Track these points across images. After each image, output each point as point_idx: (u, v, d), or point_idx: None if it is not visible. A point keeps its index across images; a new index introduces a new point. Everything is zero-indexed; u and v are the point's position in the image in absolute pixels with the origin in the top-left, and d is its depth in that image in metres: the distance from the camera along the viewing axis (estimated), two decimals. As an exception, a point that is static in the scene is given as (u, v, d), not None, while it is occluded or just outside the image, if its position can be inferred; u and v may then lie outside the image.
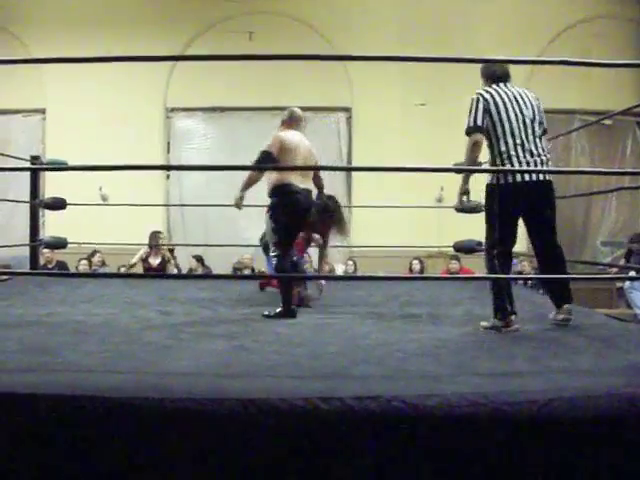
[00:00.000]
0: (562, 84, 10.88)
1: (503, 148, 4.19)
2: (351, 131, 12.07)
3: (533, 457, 2.33)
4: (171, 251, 9.52)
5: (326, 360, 3.20)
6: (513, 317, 4.17)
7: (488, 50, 9.61)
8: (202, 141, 12.19)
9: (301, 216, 5.24)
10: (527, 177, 4.16)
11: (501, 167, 4.20)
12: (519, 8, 11.66)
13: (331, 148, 11.97)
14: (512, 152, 4.18)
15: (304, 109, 11.82)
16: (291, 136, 5.27)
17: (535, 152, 4.22)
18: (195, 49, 11.63)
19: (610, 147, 12.27)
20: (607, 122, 11.25)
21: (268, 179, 5.20)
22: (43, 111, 12.20)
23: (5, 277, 7.27)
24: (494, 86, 4.31)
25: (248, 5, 11.83)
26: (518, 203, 4.19)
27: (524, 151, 4.19)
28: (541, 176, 4.20)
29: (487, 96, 4.24)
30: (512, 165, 4.16)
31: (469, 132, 4.25)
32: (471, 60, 3.77)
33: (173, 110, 12.22)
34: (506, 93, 4.28)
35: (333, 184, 11.81)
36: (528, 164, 4.18)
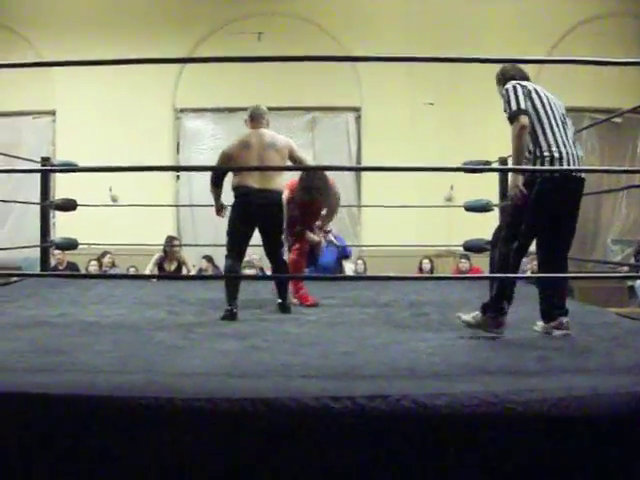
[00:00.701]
0: (571, 82, 10.82)
1: (549, 132, 3.87)
2: (360, 131, 12.09)
3: (543, 456, 2.33)
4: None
5: (336, 360, 3.21)
6: (504, 318, 3.91)
7: (496, 49, 9.63)
8: (211, 141, 12.19)
9: (253, 218, 5.16)
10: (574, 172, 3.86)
11: (546, 156, 3.82)
12: (527, 7, 11.64)
13: (340, 148, 12.00)
14: (559, 140, 3.88)
15: (313, 109, 11.95)
16: (239, 141, 5.21)
17: (575, 144, 3.97)
18: (204, 50, 11.66)
19: (620, 145, 12.24)
20: (617, 120, 11.20)
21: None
22: (53, 113, 12.26)
23: (16, 278, 7.30)
24: (522, 82, 4.02)
25: (257, 6, 11.86)
26: (559, 197, 3.84)
27: (570, 142, 3.93)
28: (583, 175, 3.92)
29: (524, 83, 3.98)
30: (560, 155, 3.83)
31: (514, 115, 3.84)
32: (478, 60, 3.76)
33: (182, 111, 12.27)
34: (539, 88, 4.02)
35: (343, 183, 11.84)
36: (573, 157, 3.88)
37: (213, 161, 11.52)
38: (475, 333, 4.04)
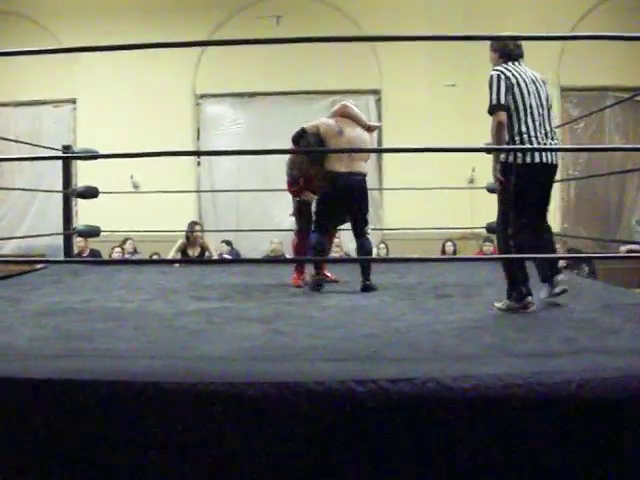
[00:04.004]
0: (594, 60, 10.72)
1: (524, 128, 4.15)
2: (380, 113, 12.00)
3: (570, 438, 2.31)
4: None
5: (360, 342, 3.20)
6: (529, 298, 4.17)
7: (518, 27, 9.50)
8: (232, 127, 12.20)
9: (340, 200, 5.58)
10: (545, 159, 4.14)
11: (523, 146, 4.16)
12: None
13: (361, 131, 11.91)
14: (532, 133, 4.16)
15: (333, 92, 11.92)
16: (329, 125, 5.68)
17: (550, 134, 4.26)
18: (223, 35, 11.63)
19: (645, 124, 12.08)
20: (641, 99, 11.07)
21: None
22: (74, 101, 12.31)
23: (40, 265, 7.35)
24: (510, 64, 4.25)
25: (275, -11, 11.80)
26: (534, 183, 4.17)
27: (543, 133, 4.20)
28: (555, 159, 4.21)
29: (508, 74, 4.18)
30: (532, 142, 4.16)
31: (493, 110, 4.15)
32: (499, 38, 3.73)
33: (202, 96, 12.26)
34: (524, 73, 4.24)
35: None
36: (546, 145, 4.21)
37: (234, 146, 11.71)
38: (500, 315, 4.04)
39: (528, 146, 4.16)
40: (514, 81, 4.17)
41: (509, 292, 4.21)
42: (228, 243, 10.64)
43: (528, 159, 4.11)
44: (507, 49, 4.28)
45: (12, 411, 2.36)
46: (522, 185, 4.12)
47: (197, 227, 9.07)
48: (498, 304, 4.24)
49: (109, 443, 2.34)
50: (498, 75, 4.17)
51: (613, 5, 11.34)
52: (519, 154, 4.11)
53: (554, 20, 10.75)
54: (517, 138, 4.16)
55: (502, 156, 4.17)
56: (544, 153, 4.13)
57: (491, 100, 4.14)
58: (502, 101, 4.12)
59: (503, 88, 4.13)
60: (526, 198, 4.16)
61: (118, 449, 2.34)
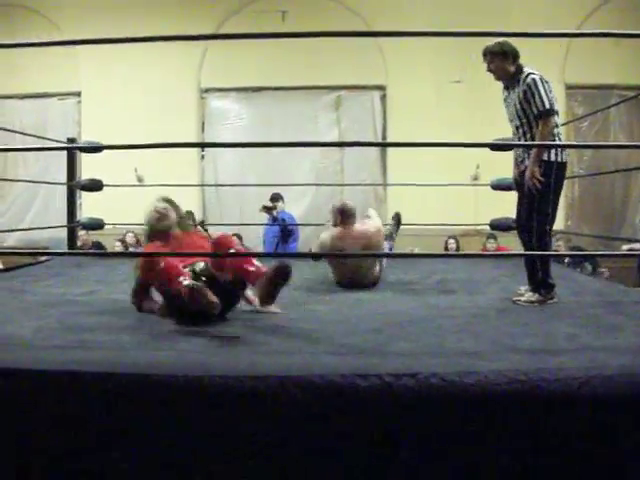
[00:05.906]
0: (600, 59, 10.69)
1: (559, 130, 4.37)
2: (386, 109, 11.98)
3: (572, 435, 2.31)
4: (201, 224, 9.43)
5: (363, 337, 3.20)
6: (556, 289, 4.37)
7: (523, 24, 9.50)
8: (236, 121, 12.18)
9: None
10: (567, 158, 4.36)
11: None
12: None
13: (366, 127, 11.90)
14: (561, 134, 4.42)
15: (339, 88, 11.87)
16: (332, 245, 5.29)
17: None
18: (228, 30, 11.60)
19: (650, 122, 12.04)
20: (646, 97, 11.04)
21: None
22: (78, 94, 12.29)
23: (44, 258, 7.36)
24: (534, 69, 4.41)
25: (281, -16, 11.76)
26: (563, 180, 4.40)
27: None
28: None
29: (546, 79, 4.34)
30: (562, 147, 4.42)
31: (548, 114, 4.24)
32: (506, 34, 3.73)
33: (207, 91, 12.24)
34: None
35: (368, 162, 11.79)
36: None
37: (238, 140, 11.68)
38: (503, 311, 4.04)
39: (542, 142, 4.27)
40: (551, 86, 4.35)
41: (538, 286, 4.35)
42: (239, 237, 10.64)
43: (565, 158, 4.31)
44: (514, 49, 4.42)
45: (16, 402, 2.37)
46: (559, 182, 4.34)
47: (189, 217, 9.12)
48: (524, 298, 4.35)
49: (112, 435, 2.34)
50: (541, 78, 4.31)
51: (619, 3, 11.30)
52: (558, 153, 4.28)
53: (560, 18, 10.72)
54: (556, 139, 4.36)
55: (545, 156, 4.27)
56: (567, 152, 4.35)
57: (544, 104, 4.24)
58: (554, 106, 4.27)
59: (550, 93, 4.28)
60: (559, 194, 4.37)
61: (120, 441, 2.34)
